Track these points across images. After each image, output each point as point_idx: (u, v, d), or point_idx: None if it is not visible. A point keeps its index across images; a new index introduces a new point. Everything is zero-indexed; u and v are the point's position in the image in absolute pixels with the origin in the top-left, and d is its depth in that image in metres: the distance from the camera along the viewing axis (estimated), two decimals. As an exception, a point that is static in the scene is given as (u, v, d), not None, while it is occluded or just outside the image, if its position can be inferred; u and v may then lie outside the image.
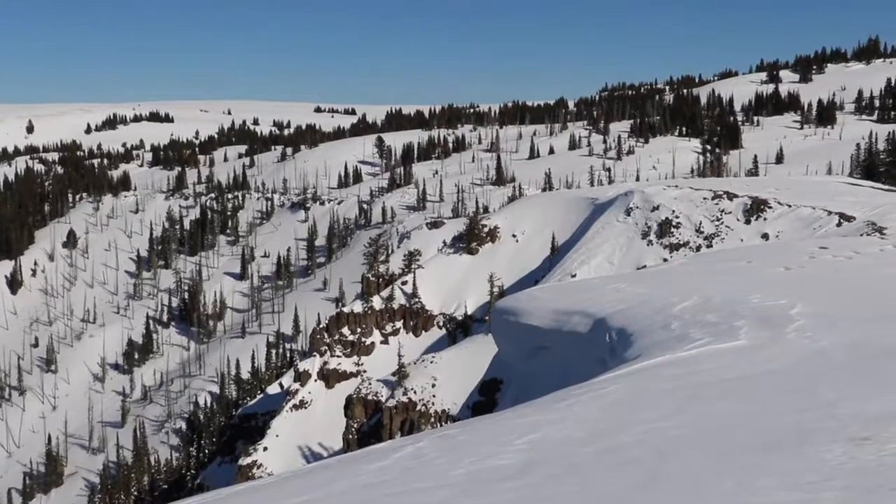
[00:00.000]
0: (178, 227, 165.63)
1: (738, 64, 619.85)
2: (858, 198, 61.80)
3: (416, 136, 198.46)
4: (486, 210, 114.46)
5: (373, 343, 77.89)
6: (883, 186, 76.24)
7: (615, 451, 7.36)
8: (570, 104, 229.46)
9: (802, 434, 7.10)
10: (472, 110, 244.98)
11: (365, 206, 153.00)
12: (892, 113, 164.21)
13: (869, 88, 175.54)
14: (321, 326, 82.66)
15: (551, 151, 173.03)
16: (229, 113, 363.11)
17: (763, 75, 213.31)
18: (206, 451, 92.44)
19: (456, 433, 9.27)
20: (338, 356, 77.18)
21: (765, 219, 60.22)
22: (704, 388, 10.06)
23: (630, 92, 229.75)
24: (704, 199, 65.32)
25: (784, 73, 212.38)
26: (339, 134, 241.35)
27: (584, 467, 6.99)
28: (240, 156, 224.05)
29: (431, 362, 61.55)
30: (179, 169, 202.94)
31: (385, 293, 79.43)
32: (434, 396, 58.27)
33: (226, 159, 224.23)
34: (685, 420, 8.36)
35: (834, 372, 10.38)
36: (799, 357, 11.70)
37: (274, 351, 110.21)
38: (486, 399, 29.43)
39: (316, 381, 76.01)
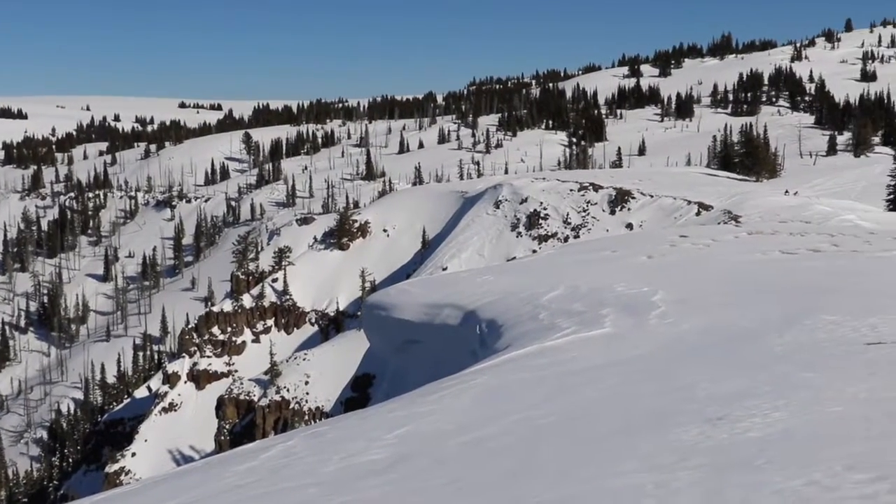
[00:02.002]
0: (34, 228, 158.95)
1: (601, 58, 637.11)
2: (716, 188, 64.32)
3: (285, 132, 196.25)
4: (356, 205, 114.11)
5: (244, 342, 76.64)
6: (737, 177, 79.53)
7: (484, 443, 7.41)
8: (439, 98, 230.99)
9: (662, 416, 7.31)
10: (340, 105, 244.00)
11: (233, 203, 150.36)
12: (745, 106, 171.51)
13: (723, 83, 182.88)
14: (190, 327, 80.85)
15: (421, 145, 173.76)
16: (88, 109, 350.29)
17: (625, 69, 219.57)
18: (71, 459, 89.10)
19: (326, 430, 9.17)
20: (208, 356, 75.61)
21: (629, 209, 61.98)
22: (571, 376, 10.24)
23: (497, 86, 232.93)
24: (571, 190, 66.75)
25: (644, 68, 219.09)
26: (205, 130, 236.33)
27: (452, 460, 7.02)
28: (101, 153, 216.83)
29: (304, 360, 60.99)
30: (35, 167, 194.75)
31: (255, 291, 78.25)
32: (307, 394, 57.77)
33: (85, 157, 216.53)
34: (552, 408, 8.49)
35: (692, 355, 10.74)
36: (660, 342, 12.05)
37: (141, 353, 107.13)
38: (358, 395, 29.33)
39: (186, 382, 74.26)
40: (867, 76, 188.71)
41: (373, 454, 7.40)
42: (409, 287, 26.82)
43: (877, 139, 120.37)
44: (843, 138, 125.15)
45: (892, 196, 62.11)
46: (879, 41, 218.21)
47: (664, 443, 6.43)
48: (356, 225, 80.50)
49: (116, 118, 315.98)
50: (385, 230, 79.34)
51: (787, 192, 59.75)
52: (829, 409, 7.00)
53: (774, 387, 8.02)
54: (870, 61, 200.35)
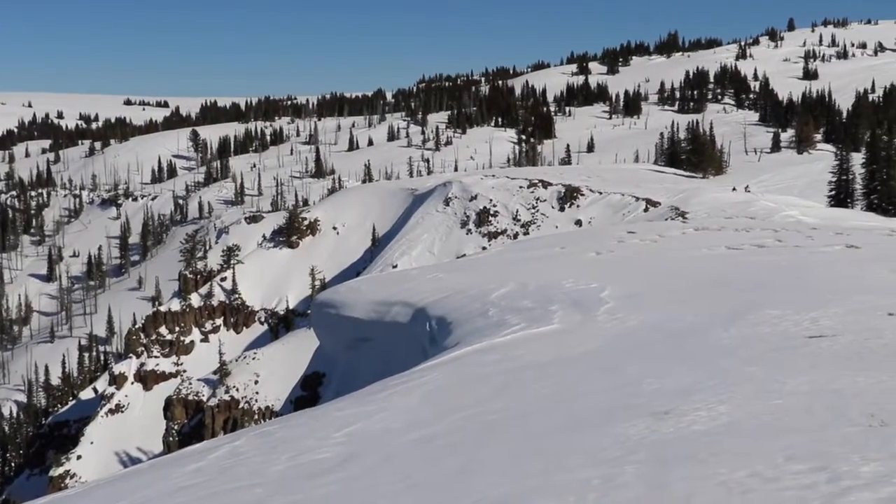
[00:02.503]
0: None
1: (550, 56, 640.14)
2: (663, 184, 65.07)
3: (233, 129, 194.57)
4: (305, 203, 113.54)
5: (192, 342, 75.84)
6: (684, 173, 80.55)
7: (433, 440, 7.43)
8: (389, 95, 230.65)
9: (609, 412, 7.38)
10: (289, 102, 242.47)
11: (181, 201, 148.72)
12: (692, 104, 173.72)
13: (670, 80, 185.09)
14: (137, 327, 79.81)
15: (370, 143, 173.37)
16: (30, 105, 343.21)
17: (573, 67, 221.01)
18: (13, 464, 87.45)
19: (274, 429, 9.12)
20: (155, 357, 74.70)
21: (578, 206, 62.41)
22: (520, 373, 10.30)
23: (447, 83, 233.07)
24: (521, 187, 67.03)
25: (593, 65, 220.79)
26: (151, 127, 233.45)
27: (401, 457, 7.02)
28: (43, 151, 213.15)
29: (254, 359, 60.54)
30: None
31: (204, 290, 77.47)
32: (257, 393, 57.35)
33: (28, 155, 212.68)
34: (501, 405, 8.53)
35: (639, 351, 10.86)
36: (608, 338, 12.16)
37: (87, 354, 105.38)
38: (308, 393, 29.19)
39: (133, 383, 73.28)
40: (809, 75, 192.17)
41: (322, 453, 7.38)
42: (358, 285, 26.77)
43: (819, 137, 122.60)
44: (787, 136, 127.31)
45: (833, 192, 63.32)
46: (821, 41, 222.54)
47: (611, 437, 6.49)
48: (306, 223, 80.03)
49: (60, 115, 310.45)
50: (335, 228, 78.99)
51: (741, 188, 60.47)
52: (771, 402, 7.12)
53: (719, 381, 8.15)
54: (812, 60, 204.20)
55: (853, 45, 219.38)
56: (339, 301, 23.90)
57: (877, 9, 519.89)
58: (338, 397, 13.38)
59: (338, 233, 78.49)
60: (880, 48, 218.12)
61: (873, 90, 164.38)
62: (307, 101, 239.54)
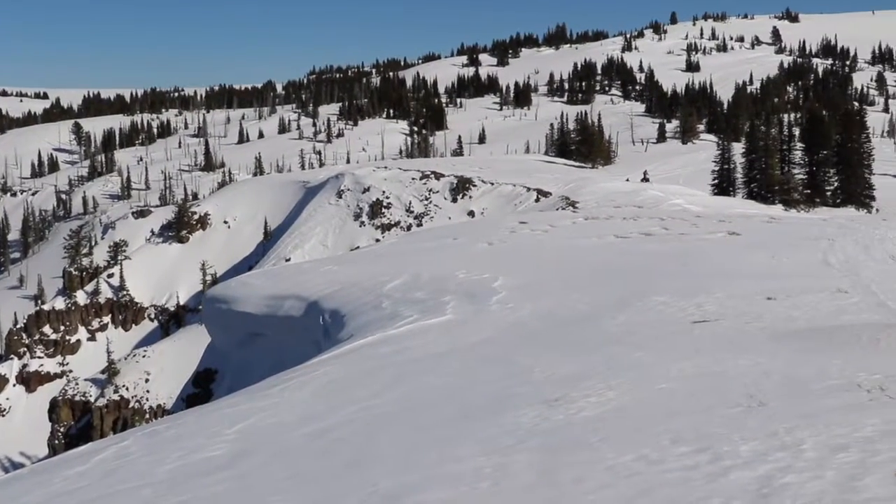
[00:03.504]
0: None
1: (441, 47, 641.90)
2: (554, 174, 66.05)
3: (118, 122, 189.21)
4: (195, 197, 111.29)
5: (78, 341, 73.59)
6: (574, 163, 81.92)
7: (326, 433, 7.38)
8: (279, 87, 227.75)
9: (502, 400, 7.46)
10: (176, 94, 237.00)
11: (64, 196, 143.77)
12: (580, 95, 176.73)
13: (559, 72, 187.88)
14: (18, 327, 76.94)
15: (261, 135, 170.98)
16: None
17: (464, 59, 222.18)
18: None
19: (163, 428, 8.92)
20: (39, 357, 72.22)
21: (470, 197, 62.84)
22: (413, 364, 10.32)
23: (338, 75, 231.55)
24: (413, 179, 67.14)
25: (483, 57, 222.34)
26: (30, 119, 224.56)
27: (294, 452, 6.96)
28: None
29: (144, 356, 59.14)
30: None
31: (90, 287, 75.25)
32: (148, 392, 56.06)
33: None
34: (394, 396, 8.53)
35: (531, 339, 11.01)
36: (500, 328, 12.29)
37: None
38: (200, 391, 28.65)
39: (15, 385, 70.73)
40: (692, 67, 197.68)
41: (212, 450, 7.25)
42: (250, 279, 26.39)
43: (702, 127, 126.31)
44: (672, 126, 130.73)
45: (716, 181, 65.34)
46: (702, 34, 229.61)
47: (503, 426, 6.56)
48: (196, 217, 78.52)
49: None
50: (226, 222, 77.70)
51: (634, 178, 61.81)
52: (657, 387, 7.31)
53: (608, 367, 8.32)
54: (694, 53, 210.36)
55: (732, 38, 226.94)
56: (230, 296, 23.52)
57: (753, 4, 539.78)
58: (231, 393, 13.17)
59: (229, 227, 77.25)
60: (757, 42, 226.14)
61: (751, 82, 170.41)
62: (195, 92, 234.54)
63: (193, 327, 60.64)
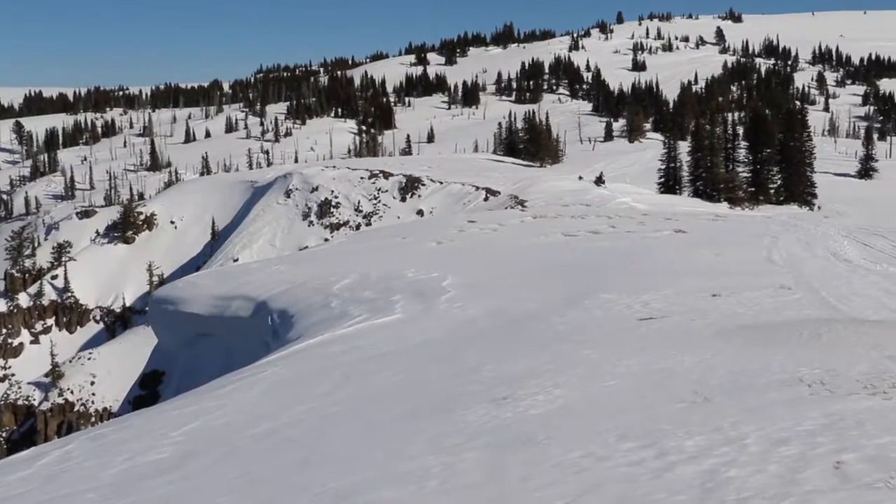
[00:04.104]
0: None
1: (389, 46, 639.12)
2: (502, 173, 66.29)
3: (61, 121, 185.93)
4: (141, 197, 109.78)
5: (21, 344, 72.16)
6: (522, 162, 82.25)
7: (275, 433, 7.34)
8: (226, 86, 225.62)
9: (450, 399, 7.48)
10: (121, 93, 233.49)
11: (5, 196, 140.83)
12: (528, 94, 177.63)
13: (507, 71, 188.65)
14: (-41, 330, 75.33)
15: (208, 135, 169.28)
16: None
17: (412, 58, 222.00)
18: None
19: (109, 431, 8.79)
20: (-19, 361, 70.74)
21: (419, 196, 62.80)
22: (362, 363, 10.30)
23: (285, 74, 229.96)
24: (362, 178, 66.92)
25: (431, 56, 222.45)
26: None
27: (242, 453, 6.91)
28: None
29: (89, 359, 58.27)
30: None
31: (33, 289, 73.85)
32: (94, 395, 55.25)
33: None
34: (343, 396, 8.51)
35: (480, 338, 11.04)
36: (449, 326, 12.32)
37: None
38: (147, 393, 28.29)
39: (-44, 390, 69.20)
40: (638, 66, 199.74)
41: (159, 453, 7.17)
42: (198, 280, 26.14)
43: (648, 126, 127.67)
44: (619, 125, 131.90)
45: (662, 179, 66.07)
46: (647, 33, 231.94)
47: (451, 425, 6.58)
48: (142, 217, 77.47)
49: None
50: (173, 222, 76.78)
51: (588, 177, 61.86)
52: (604, 384, 7.39)
53: (556, 365, 8.38)
54: (640, 52, 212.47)
55: (677, 38, 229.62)
56: (177, 297, 23.28)
57: (697, 4, 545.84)
58: (178, 395, 13.03)
59: (176, 227, 76.35)
60: (701, 42, 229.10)
61: (696, 82, 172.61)
62: (140, 91, 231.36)
63: (140, 329, 59.85)
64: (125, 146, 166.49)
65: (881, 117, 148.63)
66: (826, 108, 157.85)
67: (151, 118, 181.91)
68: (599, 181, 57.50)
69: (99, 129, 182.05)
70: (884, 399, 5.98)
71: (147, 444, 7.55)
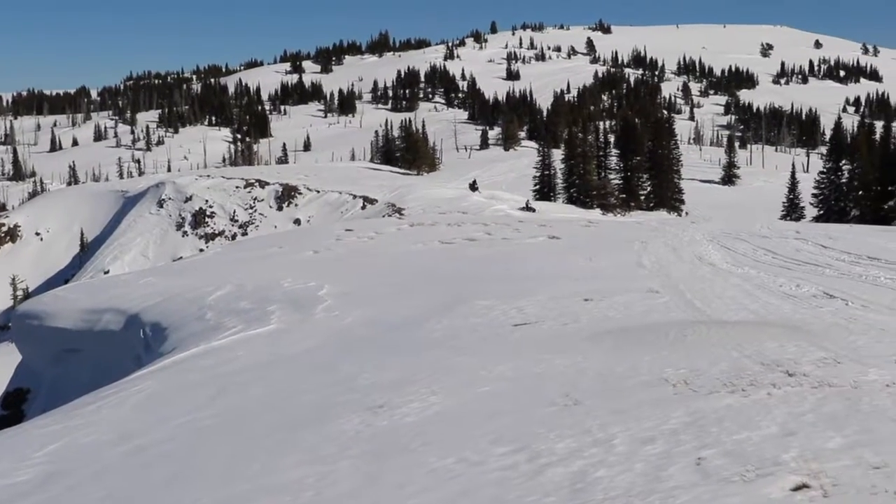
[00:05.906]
0: None
1: (263, 54, 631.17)
2: (380, 181, 66.38)
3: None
4: (3, 208, 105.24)
5: None
6: (399, 170, 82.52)
7: (146, 450, 7.16)
8: (94, 93, 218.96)
9: (326, 409, 7.44)
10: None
11: None
12: (404, 102, 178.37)
13: (383, 79, 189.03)
14: None
15: (75, 143, 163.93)
16: None
17: (287, 66, 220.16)
18: None
19: (-33, 454, 8.40)
20: None
21: (296, 205, 62.27)
22: (237, 375, 10.14)
23: (157, 81, 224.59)
24: (237, 187, 65.93)
25: (306, 64, 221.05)
26: None
27: (110, 472, 6.71)
28: None
29: (-52, 379, 55.46)
30: None
31: None
32: (-47, 416, 52.60)
33: None
34: (217, 409, 8.37)
35: (356, 347, 11.02)
36: (326, 336, 12.25)
37: None
38: (10, 412, 27.11)
39: None
40: (512, 75, 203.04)
41: (19, 475, 6.90)
42: (65, 293, 25.24)
43: (523, 134, 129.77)
44: (494, 133, 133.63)
45: (538, 186, 67.34)
46: (521, 43, 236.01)
47: (327, 434, 6.55)
48: (4, 229, 74.34)
49: None
50: (38, 233, 73.94)
51: (480, 184, 62.15)
52: (479, 389, 7.47)
53: (432, 372, 8.44)
54: (514, 62, 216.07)
55: (549, 48, 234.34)
56: (42, 311, 22.43)
57: (568, 15, 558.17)
58: (44, 413, 12.55)
59: (42, 239, 73.53)
60: (573, 52, 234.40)
61: (569, 91, 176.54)
62: (1, 97, 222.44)
63: (3, 346, 57.35)
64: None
65: (742, 126, 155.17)
66: (691, 117, 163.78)
67: (14, 125, 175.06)
68: (473, 187, 58.24)
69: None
70: (742, 396, 6.25)
71: (7, 467, 7.25)
